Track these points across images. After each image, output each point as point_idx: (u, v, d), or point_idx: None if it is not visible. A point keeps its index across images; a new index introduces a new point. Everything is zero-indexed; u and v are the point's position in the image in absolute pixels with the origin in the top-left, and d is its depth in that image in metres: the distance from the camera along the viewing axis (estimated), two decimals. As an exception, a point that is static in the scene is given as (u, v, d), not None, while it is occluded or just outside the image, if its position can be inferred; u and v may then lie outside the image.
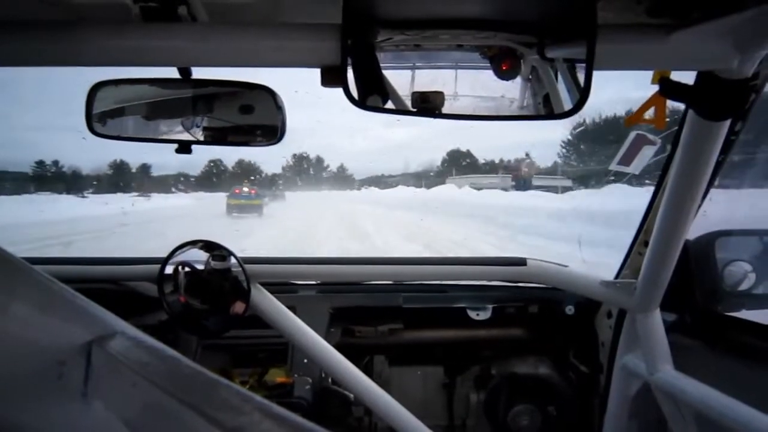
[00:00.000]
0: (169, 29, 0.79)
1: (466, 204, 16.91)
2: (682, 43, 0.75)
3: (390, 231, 12.39)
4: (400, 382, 1.92)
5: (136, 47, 0.78)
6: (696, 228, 1.29)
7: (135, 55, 0.79)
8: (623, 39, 0.77)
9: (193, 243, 1.46)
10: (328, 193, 34.25)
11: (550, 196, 16.98)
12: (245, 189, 19.97)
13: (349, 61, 0.73)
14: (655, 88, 0.90)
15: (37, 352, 0.37)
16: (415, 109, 0.77)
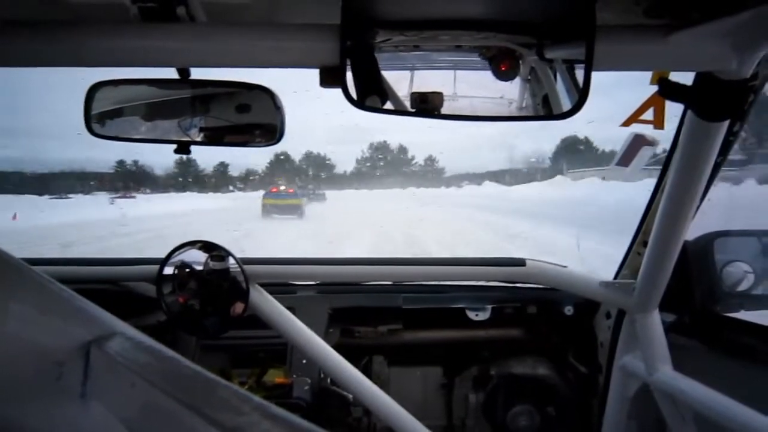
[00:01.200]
0: (167, 29, 0.79)
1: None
2: (681, 44, 0.75)
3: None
4: (399, 383, 1.92)
5: (134, 47, 0.78)
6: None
7: (133, 55, 0.79)
8: (622, 40, 0.77)
9: (191, 243, 1.46)
10: (416, 191, 27.01)
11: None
12: (282, 187, 19.02)
13: (348, 61, 0.73)
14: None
15: (36, 353, 0.37)
16: (414, 110, 0.77)
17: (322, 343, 1.48)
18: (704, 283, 1.41)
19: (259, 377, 1.68)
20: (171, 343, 1.62)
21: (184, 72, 0.95)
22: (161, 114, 1.07)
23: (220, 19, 0.88)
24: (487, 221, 13.54)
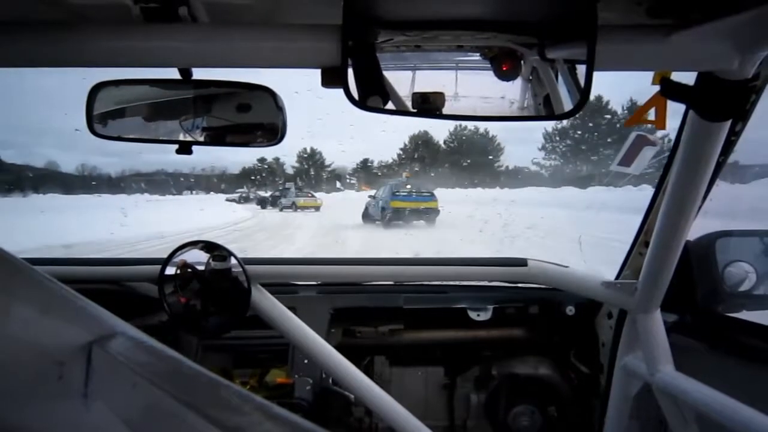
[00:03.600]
0: (169, 30, 0.79)
1: None
2: (682, 43, 0.75)
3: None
4: (400, 383, 1.92)
5: (136, 48, 0.78)
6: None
7: (135, 55, 0.79)
8: (623, 40, 0.77)
9: (193, 244, 1.46)
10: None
11: None
12: (408, 186, 15.09)
13: (350, 61, 0.73)
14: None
15: (38, 353, 0.37)
16: (415, 110, 0.77)
17: (323, 343, 1.48)
18: (706, 283, 1.41)
19: (260, 377, 1.68)
20: (173, 343, 1.62)
21: (185, 72, 0.95)
22: (163, 114, 1.07)
23: (222, 20, 0.88)
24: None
